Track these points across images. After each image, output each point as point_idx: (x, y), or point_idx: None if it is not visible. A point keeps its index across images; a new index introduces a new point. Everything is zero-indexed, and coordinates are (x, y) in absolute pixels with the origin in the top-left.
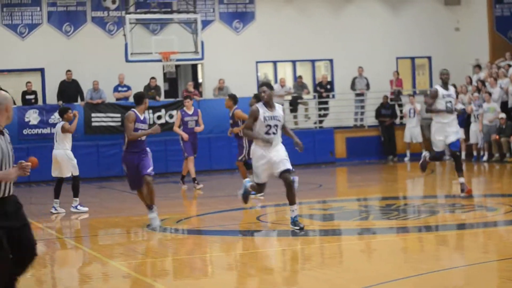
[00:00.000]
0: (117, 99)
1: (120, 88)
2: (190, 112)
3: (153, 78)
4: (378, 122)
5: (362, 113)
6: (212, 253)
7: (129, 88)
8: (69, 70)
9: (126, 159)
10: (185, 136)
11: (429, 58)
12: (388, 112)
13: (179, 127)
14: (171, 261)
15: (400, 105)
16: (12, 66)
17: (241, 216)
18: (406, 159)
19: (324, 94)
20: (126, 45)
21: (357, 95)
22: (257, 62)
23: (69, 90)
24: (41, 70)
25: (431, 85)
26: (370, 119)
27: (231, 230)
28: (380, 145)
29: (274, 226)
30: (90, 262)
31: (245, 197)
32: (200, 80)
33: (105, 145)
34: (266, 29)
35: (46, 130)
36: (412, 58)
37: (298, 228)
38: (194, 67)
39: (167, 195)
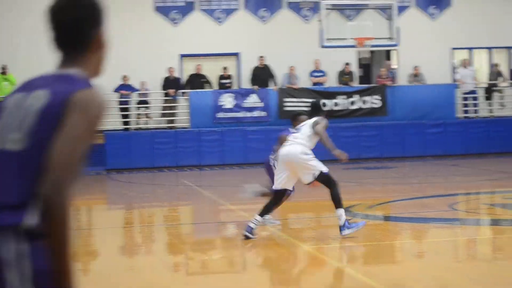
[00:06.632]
0: (314, 84)
1: (315, 73)
2: None
3: (347, 64)
4: None
5: None
6: (403, 240)
7: (323, 73)
8: (261, 56)
9: None
10: None
11: None
12: None
13: None
14: (361, 247)
15: None
16: (209, 51)
17: (433, 204)
18: None
19: None
20: (321, 30)
21: None
22: (452, 49)
23: (262, 75)
24: (237, 55)
25: None
26: None
27: (423, 217)
28: None
29: (466, 214)
30: (281, 245)
31: None
32: (394, 66)
33: None
34: (462, 15)
35: (240, 114)
36: None
37: None
38: (387, 53)
39: (358, 181)
